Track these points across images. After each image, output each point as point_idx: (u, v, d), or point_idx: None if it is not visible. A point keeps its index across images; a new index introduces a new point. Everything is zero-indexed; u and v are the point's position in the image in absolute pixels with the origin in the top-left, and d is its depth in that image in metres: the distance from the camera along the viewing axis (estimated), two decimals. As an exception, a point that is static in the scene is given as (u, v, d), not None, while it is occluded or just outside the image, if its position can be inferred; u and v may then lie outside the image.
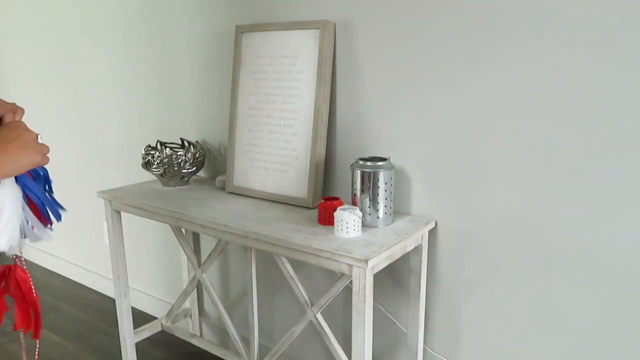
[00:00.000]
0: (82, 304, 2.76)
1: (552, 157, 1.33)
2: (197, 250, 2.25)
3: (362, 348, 1.31)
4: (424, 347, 1.66)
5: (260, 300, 2.07)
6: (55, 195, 0.97)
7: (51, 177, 0.99)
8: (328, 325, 1.58)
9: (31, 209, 0.89)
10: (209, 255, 1.86)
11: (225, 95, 1.95)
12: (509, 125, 1.38)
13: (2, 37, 3.06)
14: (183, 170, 1.91)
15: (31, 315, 0.97)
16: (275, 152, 1.74)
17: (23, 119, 0.91)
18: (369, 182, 1.45)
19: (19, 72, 3.03)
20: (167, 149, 1.93)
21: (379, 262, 1.30)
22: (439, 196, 1.54)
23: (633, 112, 1.20)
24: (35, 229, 0.88)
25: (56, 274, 3.15)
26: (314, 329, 1.81)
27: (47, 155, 0.87)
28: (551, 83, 1.30)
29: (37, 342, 1.00)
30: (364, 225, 1.46)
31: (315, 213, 1.59)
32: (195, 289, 2.23)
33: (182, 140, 2.02)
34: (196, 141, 2.07)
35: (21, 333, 0.96)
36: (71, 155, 2.81)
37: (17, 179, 0.86)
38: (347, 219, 1.38)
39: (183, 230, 2.06)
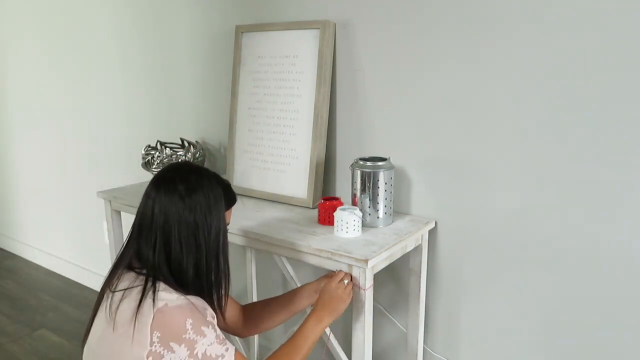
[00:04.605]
0: (82, 304, 2.76)
1: (552, 157, 1.33)
2: (197, 250, 2.25)
3: (362, 348, 1.31)
4: (424, 347, 1.66)
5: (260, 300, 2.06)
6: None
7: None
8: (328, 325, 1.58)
9: None
10: (209, 255, 1.86)
11: (225, 95, 1.95)
12: (509, 125, 1.38)
13: (3, 37, 3.06)
14: (183, 170, 1.91)
15: None
16: (275, 152, 1.74)
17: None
18: (369, 182, 1.45)
19: (19, 73, 3.03)
20: (167, 149, 1.93)
21: (379, 262, 1.30)
22: (439, 196, 1.54)
23: (633, 111, 1.20)
24: None
25: (56, 274, 3.15)
26: (314, 329, 1.81)
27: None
28: (551, 84, 1.30)
29: None
30: (364, 225, 1.46)
31: (315, 213, 1.59)
32: (195, 289, 2.23)
33: (182, 140, 2.02)
34: (196, 141, 2.07)
35: None
36: (71, 155, 2.81)
37: None
38: (347, 219, 1.38)
39: (183, 230, 2.06)
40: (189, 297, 1.04)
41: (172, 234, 1.06)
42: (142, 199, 1.11)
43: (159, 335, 0.98)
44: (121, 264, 1.10)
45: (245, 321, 1.41)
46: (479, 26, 1.38)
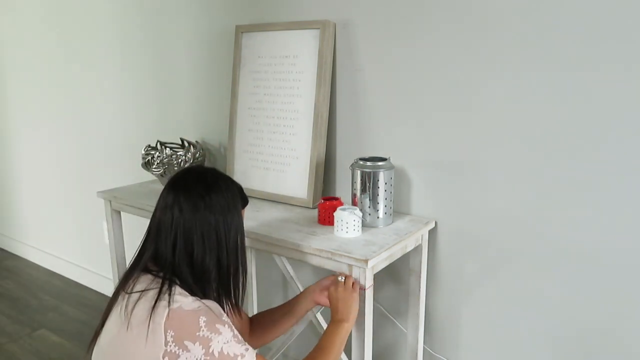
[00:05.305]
0: (82, 304, 2.76)
1: (552, 158, 1.33)
2: (197, 250, 2.25)
3: (362, 348, 1.31)
4: (424, 347, 1.66)
5: (260, 300, 2.07)
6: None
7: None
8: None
9: None
10: (209, 255, 1.85)
11: (225, 95, 1.95)
12: (509, 125, 1.38)
13: (2, 37, 3.06)
14: (183, 170, 1.91)
15: None
16: (275, 152, 1.74)
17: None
18: (369, 182, 1.45)
19: (19, 73, 3.03)
20: (167, 149, 1.93)
21: (379, 262, 1.30)
22: (439, 196, 1.54)
23: (635, 112, 1.20)
24: None
25: (56, 274, 3.15)
26: (314, 329, 1.81)
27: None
28: (552, 84, 1.30)
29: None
30: (364, 225, 1.46)
31: (315, 213, 1.59)
32: (195, 289, 2.23)
33: (182, 140, 2.02)
34: (196, 141, 2.07)
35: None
36: (71, 155, 2.81)
37: None
38: (347, 219, 1.38)
39: (183, 230, 2.06)
40: (205, 301, 1.05)
41: (194, 232, 1.07)
42: (159, 203, 1.12)
43: (173, 334, 0.98)
44: (137, 267, 1.11)
45: (252, 332, 1.42)
46: (479, 26, 1.38)
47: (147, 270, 1.09)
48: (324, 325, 1.57)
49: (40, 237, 3.25)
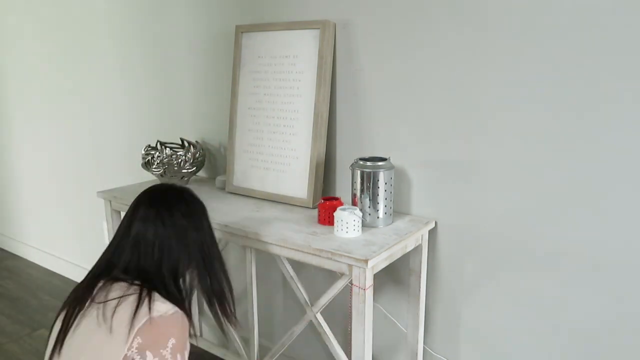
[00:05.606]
0: (82, 304, 2.76)
1: (552, 158, 1.33)
2: (197, 250, 2.25)
3: (362, 348, 1.31)
4: (424, 347, 1.66)
5: (260, 300, 2.07)
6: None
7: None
8: (328, 325, 1.58)
9: None
10: (209, 255, 1.85)
11: (225, 95, 1.95)
12: (510, 125, 1.38)
13: (3, 37, 3.06)
14: (183, 170, 1.92)
15: None
16: (275, 152, 1.74)
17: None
18: (369, 182, 1.45)
19: (19, 73, 3.03)
20: (167, 149, 1.93)
21: (379, 262, 1.30)
22: (439, 196, 1.54)
23: (635, 112, 1.20)
24: None
25: (56, 274, 3.15)
26: (314, 329, 1.81)
27: None
28: (552, 85, 1.30)
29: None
30: (364, 225, 1.46)
31: (315, 213, 1.59)
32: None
33: (182, 140, 2.02)
34: (196, 141, 2.07)
35: None
36: (71, 155, 2.81)
37: None
38: (347, 219, 1.38)
39: (183, 230, 2.06)
40: (183, 317, 1.09)
41: (177, 245, 1.13)
42: (137, 214, 1.14)
43: (140, 342, 1.01)
44: (102, 276, 1.12)
45: None
46: (479, 26, 1.38)
47: (115, 279, 1.10)
48: (324, 325, 1.57)
49: (40, 237, 3.25)
